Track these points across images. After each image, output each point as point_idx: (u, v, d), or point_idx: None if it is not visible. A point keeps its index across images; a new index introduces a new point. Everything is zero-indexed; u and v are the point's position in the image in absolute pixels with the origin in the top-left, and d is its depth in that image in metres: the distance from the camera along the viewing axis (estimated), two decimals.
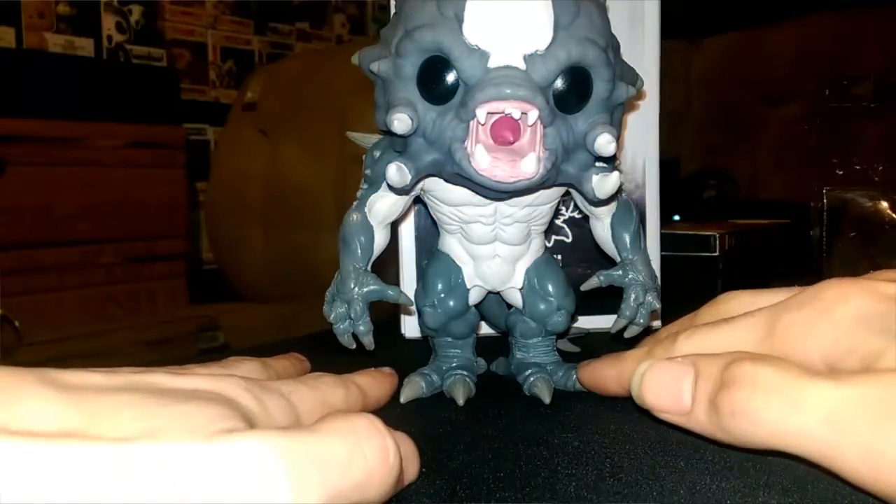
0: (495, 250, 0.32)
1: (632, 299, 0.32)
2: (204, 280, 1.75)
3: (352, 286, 0.30)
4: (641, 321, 0.32)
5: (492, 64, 0.25)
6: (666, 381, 0.23)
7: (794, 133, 1.23)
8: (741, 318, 0.25)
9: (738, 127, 1.43)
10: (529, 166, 0.25)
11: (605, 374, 0.29)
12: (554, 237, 0.45)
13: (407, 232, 0.43)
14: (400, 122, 0.25)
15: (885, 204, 0.52)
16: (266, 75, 1.54)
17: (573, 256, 0.45)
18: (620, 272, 0.32)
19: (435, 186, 0.30)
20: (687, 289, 0.30)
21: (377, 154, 0.30)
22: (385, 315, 0.42)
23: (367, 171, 0.31)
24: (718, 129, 1.43)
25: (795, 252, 0.65)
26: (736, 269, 0.60)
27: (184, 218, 1.64)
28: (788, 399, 0.20)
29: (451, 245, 0.32)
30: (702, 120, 1.45)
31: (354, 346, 0.31)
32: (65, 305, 1.42)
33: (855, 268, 0.53)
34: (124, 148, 1.54)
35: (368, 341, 0.31)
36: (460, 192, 0.29)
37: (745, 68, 1.42)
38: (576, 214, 0.45)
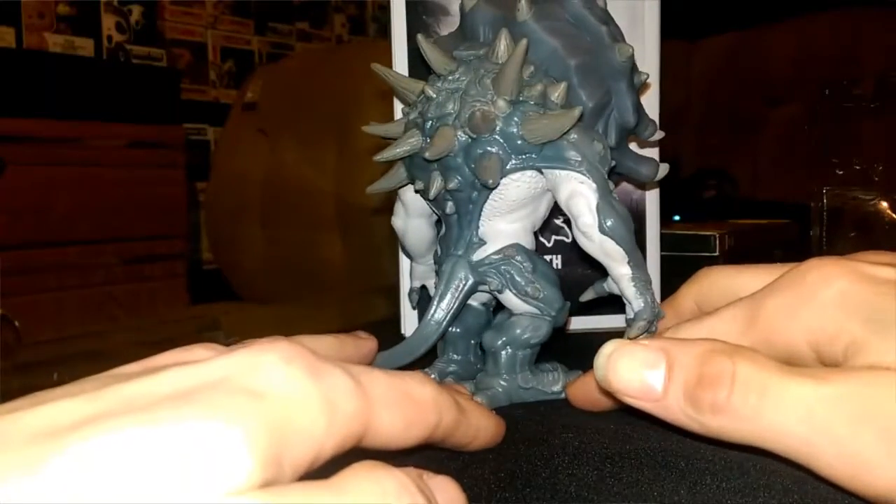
0: None
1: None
2: (204, 280, 1.75)
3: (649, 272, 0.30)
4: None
5: None
6: (635, 365, 0.22)
7: (794, 133, 1.23)
8: (724, 310, 0.24)
9: (738, 127, 1.43)
10: None
11: (598, 389, 0.28)
12: (553, 237, 0.45)
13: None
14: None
15: (885, 204, 0.52)
16: (266, 75, 1.54)
17: (573, 256, 0.45)
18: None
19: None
20: None
21: (600, 147, 0.30)
22: (385, 314, 0.41)
23: (611, 165, 0.30)
24: (718, 129, 1.43)
25: (795, 252, 0.65)
26: None
27: (184, 218, 1.64)
28: (767, 397, 0.20)
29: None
30: (702, 120, 1.45)
31: None
32: (65, 305, 1.42)
33: None
34: (124, 148, 1.54)
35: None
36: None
37: (745, 68, 1.42)
38: None
